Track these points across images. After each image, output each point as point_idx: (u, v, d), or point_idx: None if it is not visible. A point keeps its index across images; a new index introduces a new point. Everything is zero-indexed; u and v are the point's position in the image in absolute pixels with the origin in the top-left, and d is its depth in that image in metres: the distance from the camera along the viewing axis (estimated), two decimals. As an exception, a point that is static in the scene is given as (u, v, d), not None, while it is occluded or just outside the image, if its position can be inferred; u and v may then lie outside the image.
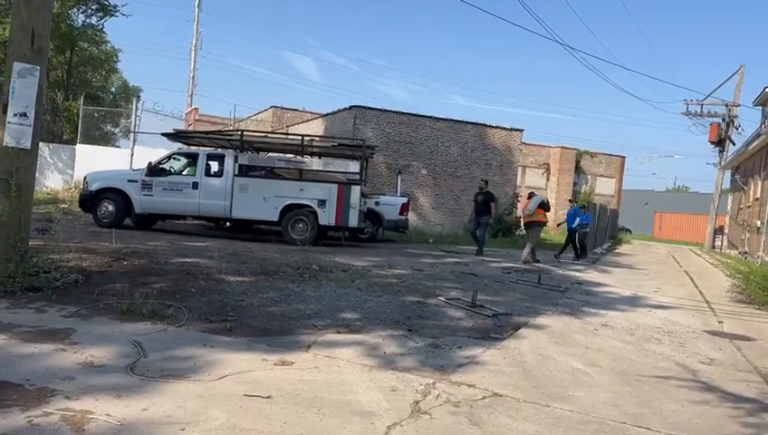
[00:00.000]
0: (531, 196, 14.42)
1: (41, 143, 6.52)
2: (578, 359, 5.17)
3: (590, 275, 12.24)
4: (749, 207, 23.16)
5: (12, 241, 5.76)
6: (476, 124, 22.23)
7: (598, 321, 7.07)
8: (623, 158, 36.68)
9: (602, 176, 35.33)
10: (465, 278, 9.46)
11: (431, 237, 18.10)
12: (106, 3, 26.30)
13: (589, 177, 34.86)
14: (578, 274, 12.23)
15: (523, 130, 23.20)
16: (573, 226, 15.69)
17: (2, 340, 4.14)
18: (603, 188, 35.05)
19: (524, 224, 14.62)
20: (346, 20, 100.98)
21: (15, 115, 5.84)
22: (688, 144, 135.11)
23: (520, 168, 26.20)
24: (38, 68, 5.94)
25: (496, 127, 22.60)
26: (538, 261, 13.40)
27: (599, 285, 10.75)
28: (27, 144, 5.92)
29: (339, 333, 5.21)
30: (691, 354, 5.80)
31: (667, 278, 13.81)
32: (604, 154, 35.76)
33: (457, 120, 21.96)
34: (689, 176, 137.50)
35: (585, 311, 7.65)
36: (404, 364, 4.45)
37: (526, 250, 13.47)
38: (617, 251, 22.95)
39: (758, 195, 20.71)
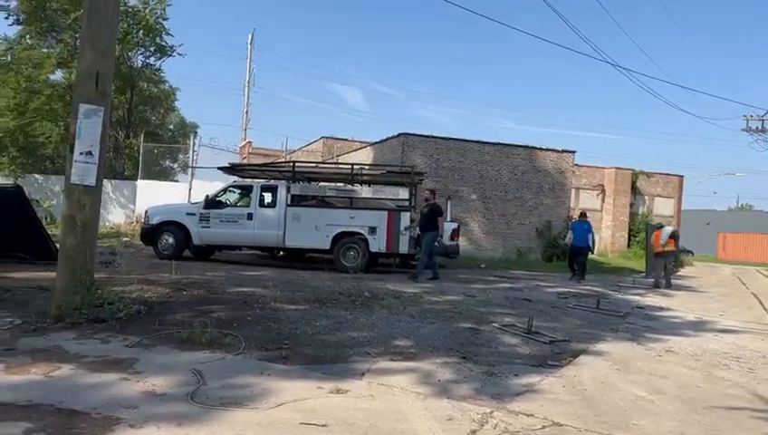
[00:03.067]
0: (660, 227, 15.61)
1: (104, 180, 6.85)
2: (641, 386, 4.98)
3: (652, 299, 11.80)
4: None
5: (78, 274, 6.02)
6: (526, 147, 22.00)
7: (661, 346, 6.79)
8: (681, 177, 35.41)
9: (660, 196, 34.16)
10: (519, 304, 9.29)
11: (483, 263, 17.89)
12: (163, 44, 27.59)
13: (646, 197, 33.77)
14: (638, 298, 11.82)
15: (575, 152, 22.82)
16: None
17: (69, 370, 4.32)
18: (661, 208, 33.85)
19: (658, 253, 15.17)
20: (390, 49, 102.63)
21: (81, 154, 6.14)
22: (750, 161, 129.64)
23: (573, 190, 25.69)
24: (102, 109, 6.25)
25: (547, 149, 22.30)
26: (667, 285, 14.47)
27: (661, 309, 10.35)
28: (92, 181, 6.21)
29: (392, 360, 5.19)
30: (762, 381, 5.49)
31: (733, 301, 13.16)
32: (661, 174, 34.62)
33: (506, 144, 21.80)
34: (753, 193, 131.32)
35: (647, 336, 7.37)
36: (459, 392, 4.39)
37: (667, 273, 14.88)
38: (679, 274, 22.07)
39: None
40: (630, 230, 31.73)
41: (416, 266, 12.75)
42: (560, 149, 22.51)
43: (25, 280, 8.11)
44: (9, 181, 20.92)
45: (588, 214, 15.78)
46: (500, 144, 21.67)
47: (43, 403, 3.60)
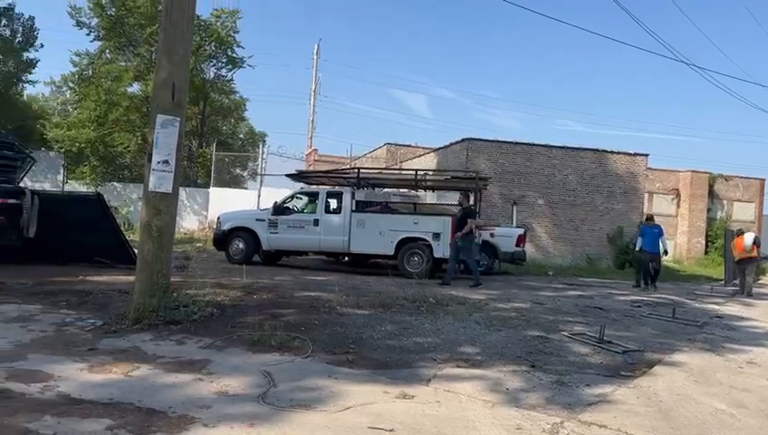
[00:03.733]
0: (740, 233, 15.05)
1: (179, 187, 7.16)
2: (721, 399, 4.72)
3: (731, 309, 11.17)
4: None
5: (155, 278, 6.29)
6: (596, 150, 21.34)
7: (742, 358, 6.42)
8: (762, 180, 33.36)
9: (739, 200, 32.33)
10: (589, 312, 9.01)
11: (551, 269, 17.45)
12: (234, 56, 28.55)
13: (724, 202, 32.06)
14: (717, 307, 11.21)
15: (648, 155, 21.94)
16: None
17: (147, 370, 4.52)
18: (741, 213, 32.02)
19: (740, 260, 14.75)
20: (453, 54, 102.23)
21: (159, 162, 6.42)
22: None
23: (646, 194, 24.69)
24: (178, 119, 6.52)
25: (618, 152, 21.56)
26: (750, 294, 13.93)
27: (741, 319, 9.77)
28: (169, 189, 6.48)
29: (459, 367, 5.14)
30: None
31: (825, 312, 12.26)
32: (740, 177, 32.76)
33: (574, 148, 21.23)
34: None
35: (727, 347, 6.98)
36: (528, 401, 4.29)
37: (749, 281, 14.37)
38: (760, 282, 20.79)
39: None
40: (707, 236, 30.19)
41: (472, 272, 12.26)
42: (632, 151, 21.72)
43: (106, 283, 8.57)
44: (90, 190, 22.19)
45: (661, 219, 15.08)
46: (568, 148, 21.13)
47: (123, 401, 3.78)
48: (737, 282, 15.35)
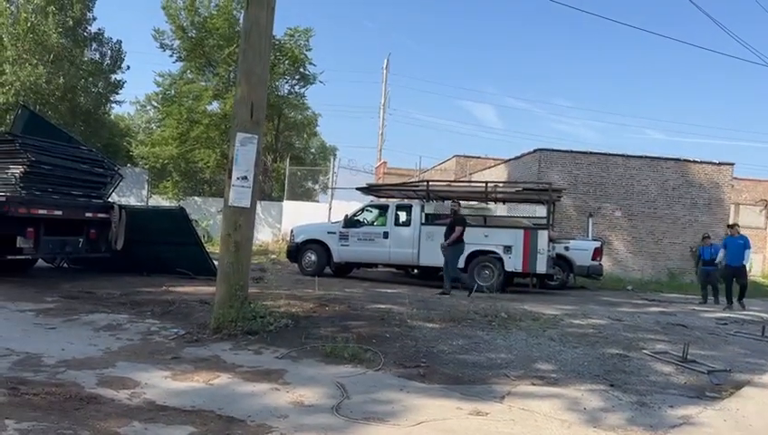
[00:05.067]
0: None
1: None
2: (821, 427, 4.38)
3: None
4: None
5: (234, 289, 6.51)
6: (677, 160, 20.41)
7: (844, 382, 5.93)
8: None
9: (837, 210, 29.97)
10: (672, 330, 8.58)
11: (629, 284, 16.77)
12: (307, 73, 29.34)
13: (821, 212, 29.81)
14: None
15: (733, 164, 20.76)
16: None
17: (227, 378, 4.69)
18: (838, 224, 29.68)
19: None
20: (526, 64, 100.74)
21: (238, 178, 6.68)
22: None
23: (732, 205, 23.34)
24: (256, 136, 6.77)
25: (702, 162, 20.53)
26: None
27: None
28: (247, 203, 6.73)
29: (533, 384, 5.03)
30: None
31: None
32: (837, 185, 30.39)
33: (654, 157, 20.39)
34: None
35: (826, 370, 6.47)
36: (608, 422, 4.15)
37: None
38: None
39: None
40: (801, 250, 28.13)
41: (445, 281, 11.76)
42: (716, 161, 20.63)
43: (188, 294, 8.95)
44: (173, 204, 23.31)
45: (749, 232, 14.08)
46: (647, 157, 20.33)
47: (204, 409, 3.94)
48: None
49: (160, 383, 4.48)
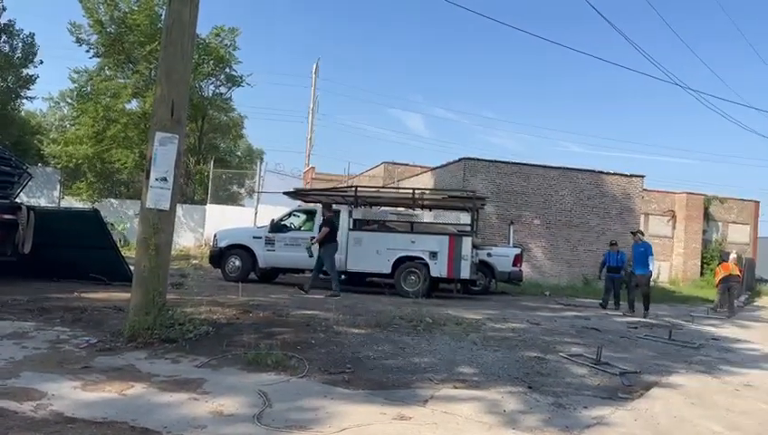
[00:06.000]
0: (722, 260, 16.26)
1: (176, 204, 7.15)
2: (718, 422, 4.69)
3: (728, 331, 11.17)
4: None
5: (151, 295, 6.23)
6: (592, 171, 21.48)
7: (739, 380, 6.40)
8: (757, 203, 33.54)
9: (735, 223, 32.46)
10: (586, 333, 8.98)
11: (547, 290, 17.43)
12: (233, 74, 28.75)
13: (719, 224, 32.20)
14: (713, 329, 11.21)
15: (643, 177, 22.09)
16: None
17: (141, 388, 4.47)
18: (736, 235, 32.14)
19: (725, 278, 15.29)
20: (453, 75, 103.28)
21: (157, 180, 6.41)
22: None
23: (642, 215, 24.78)
24: (177, 136, 6.52)
25: (614, 174, 21.71)
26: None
27: (737, 341, 9.77)
28: (166, 206, 6.46)
29: (456, 388, 5.11)
30: None
31: (821, 335, 12.26)
32: (735, 199, 32.93)
33: (571, 168, 21.35)
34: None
35: (724, 369, 6.97)
36: (526, 423, 4.26)
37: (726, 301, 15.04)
38: (756, 304, 20.82)
39: None
40: (703, 258, 30.24)
41: (310, 279, 12.24)
42: (628, 173, 21.86)
43: (101, 300, 8.51)
44: (87, 206, 22.18)
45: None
46: (564, 168, 21.26)
47: (116, 420, 3.74)
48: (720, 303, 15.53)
49: (69, 394, 4.22)
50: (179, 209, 23.98)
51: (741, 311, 16.45)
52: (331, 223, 12.10)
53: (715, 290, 16.03)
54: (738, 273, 15.49)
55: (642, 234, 14.05)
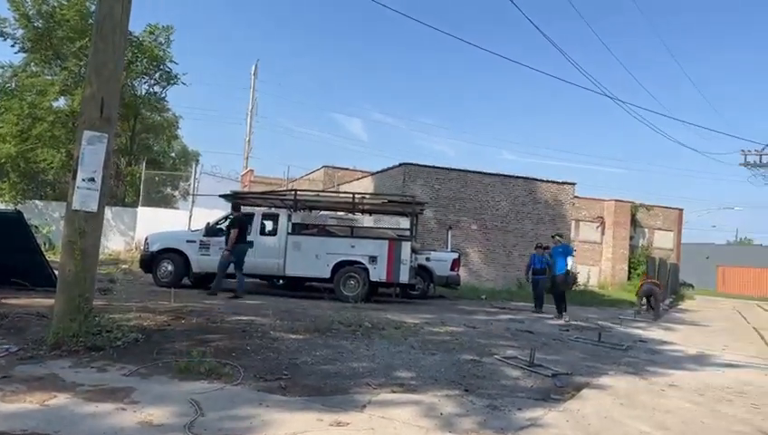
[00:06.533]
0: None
1: (105, 206, 6.83)
2: (645, 422, 4.89)
3: (654, 333, 11.71)
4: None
5: (76, 301, 5.94)
6: (526, 178, 22.13)
7: (664, 381, 6.70)
8: (680, 210, 35.49)
9: (660, 229, 34.19)
10: (520, 336, 9.20)
11: (483, 293, 17.79)
12: (168, 73, 27.90)
13: (646, 230, 33.81)
14: (640, 331, 11.72)
15: (575, 184, 22.94)
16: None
17: (65, 399, 4.24)
18: (661, 241, 33.88)
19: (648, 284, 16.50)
20: (394, 81, 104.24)
21: (84, 180, 6.14)
22: (749, 195, 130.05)
23: (573, 221, 25.72)
24: (106, 135, 6.26)
25: (547, 181, 22.43)
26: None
27: (663, 342, 10.25)
28: (94, 208, 6.19)
29: (393, 392, 5.11)
30: (767, 417, 5.40)
31: (734, 335, 13.06)
32: (661, 207, 34.70)
33: (507, 175, 21.92)
34: (752, 228, 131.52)
35: (650, 370, 7.28)
36: (462, 426, 4.30)
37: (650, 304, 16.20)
38: (680, 307, 21.96)
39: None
40: (630, 263, 31.64)
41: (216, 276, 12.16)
42: (560, 180, 22.63)
43: (23, 306, 8.03)
44: (9, 207, 20.95)
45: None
46: (500, 175, 21.80)
47: (38, 432, 3.53)
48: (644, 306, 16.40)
49: (-16, 407, 3.94)
50: (108, 212, 23.04)
51: (666, 314, 17.33)
52: (239, 223, 11.94)
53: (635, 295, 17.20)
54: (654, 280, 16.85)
55: (561, 236, 14.45)
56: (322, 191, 20.97)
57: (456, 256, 15.99)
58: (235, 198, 15.21)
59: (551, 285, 13.46)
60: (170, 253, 13.23)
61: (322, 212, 15.16)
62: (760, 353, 10.05)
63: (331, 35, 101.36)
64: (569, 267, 13.12)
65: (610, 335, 10.28)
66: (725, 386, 6.65)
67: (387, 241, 12.93)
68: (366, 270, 12.68)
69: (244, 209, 14.38)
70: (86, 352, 5.58)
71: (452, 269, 15.39)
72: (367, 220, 15.96)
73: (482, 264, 21.06)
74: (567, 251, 13.27)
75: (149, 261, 13.40)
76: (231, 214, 12.25)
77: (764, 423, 5.17)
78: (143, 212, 23.83)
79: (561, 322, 12.01)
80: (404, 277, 12.69)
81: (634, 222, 33.02)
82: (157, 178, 28.63)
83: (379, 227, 14.95)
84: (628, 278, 30.55)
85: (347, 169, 28.89)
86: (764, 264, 44.25)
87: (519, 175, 22.21)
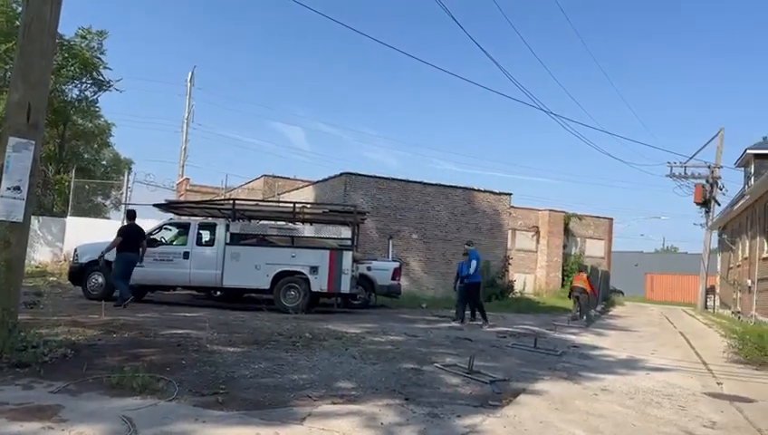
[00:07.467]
0: (580, 270, 18.03)
1: (31, 216, 6.53)
2: (579, 426, 5.05)
3: (586, 339, 12.13)
4: (738, 266, 23.27)
5: (0, 316, 5.65)
6: (465, 189, 22.59)
7: (597, 385, 6.95)
8: (611, 220, 37.06)
9: (591, 238, 35.57)
10: (459, 344, 9.35)
11: (424, 302, 17.98)
12: (100, 78, 26.94)
13: (578, 239, 35.09)
14: (573, 337, 12.12)
15: (511, 194, 23.58)
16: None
17: (-13, 419, 4.01)
18: (593, 250, 35.23)
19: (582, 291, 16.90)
20: (336, 91, 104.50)
21: (9, 189, 5.86)
22: (675, 205, 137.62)
23: (509, 230, 26.40)
24: (33, 142, 6.00)
25: (485, 191, 22.96)
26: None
27: (595, 348, 10.63)
28: (19, 217, 5.91)
29: (334, 403, 5.08)
30: (693, 418, 5.69)
31: (662, 340, 13.69)
32: (592, 216, 36.13)
33: (446, 185, 22.30)
34: (678, 236, 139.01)
35: (583, 375, 7.53)
36: (403, 435, 4.33)
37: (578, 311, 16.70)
38: (610, 313, 22.85)
39: (746, 254, 20.86)
40: (564, 271, 32.72)
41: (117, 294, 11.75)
42: (497, 191, 23.21)
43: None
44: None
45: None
46: (440, 185, 22.15)
47: (-47, 458, 3.32)
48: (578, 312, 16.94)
49: None
50: (35, 222, 21.94)
51: (598, 319, 18.00)
52: (124, 232, 11.60)
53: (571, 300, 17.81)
54: (583, 285, 16.82)
55: (471, 244, 14.54)
56: (262, 201, 20.70)
57: (397, 265, 16.11)
58: (170, 208, 14.84)
59: (467, 292, 13.42)
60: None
61: (262, 222, 14.97)
62: (685, 357, 10.57)
63: (274, 47, 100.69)
64: (470, 271, 13.27)
65: (545, 341, 10.58)
66: (654, 389, 6.95)
67: (328, 251, 12.89)
68: (307, 280, 12.58)
69: (180, 219, 14.04)
70: (10, 368, 5.29)
71: (393, 278, 15.49)
72: (308, 230, 15.88)
73: (422, 272, 21.30)
74: (473, 255, 13.43)
75: (79, 273, 12.85)
76: (123, 221, 11.75)
77: (690, 424, 5.44)
78: (72, 222, 22.81)
79: (487, 327, 12.29)
80: (345, 287, 12.67)
81: (567, 231, 34.22)
82: (87, 187, 27.51)
83: (321, 237, 14.90)
84: (562, 285, 31.59)
85: (288, 178, 28.64)
86: (689, 271, 46.79)
87: (458, 185, 22.64)
